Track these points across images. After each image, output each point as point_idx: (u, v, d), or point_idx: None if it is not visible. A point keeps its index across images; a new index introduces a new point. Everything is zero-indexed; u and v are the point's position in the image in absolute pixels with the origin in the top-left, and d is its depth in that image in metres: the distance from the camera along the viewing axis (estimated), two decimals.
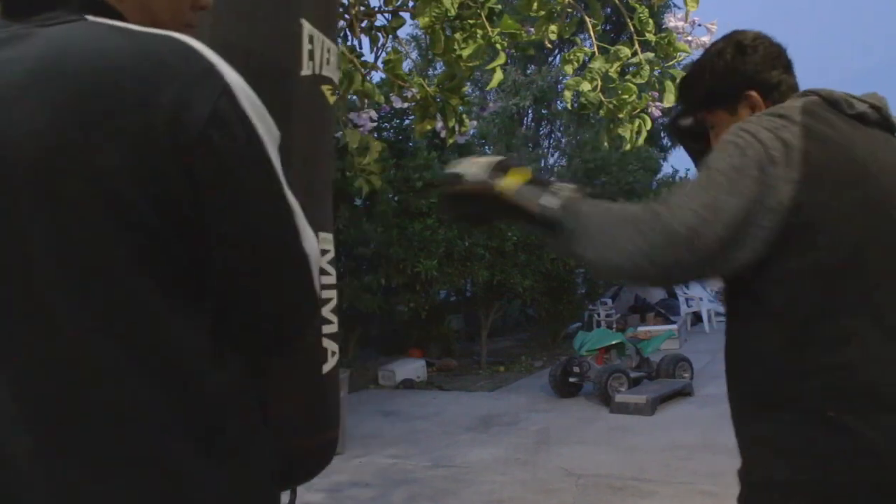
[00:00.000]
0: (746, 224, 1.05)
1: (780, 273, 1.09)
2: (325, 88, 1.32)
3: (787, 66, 1.29)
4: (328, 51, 1.33)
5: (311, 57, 1.28)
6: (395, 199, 9.22)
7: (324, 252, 1.34)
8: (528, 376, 9.05)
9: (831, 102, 1.17)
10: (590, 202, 1.14)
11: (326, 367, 1.33)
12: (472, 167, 1.24)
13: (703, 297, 12.63)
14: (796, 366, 1.10)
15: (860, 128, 1.17)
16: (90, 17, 0.83)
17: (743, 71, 1.27)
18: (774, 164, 1.06)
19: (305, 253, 0.85)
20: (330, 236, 1.38)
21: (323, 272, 1.33)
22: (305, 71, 1.27)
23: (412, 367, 8.94)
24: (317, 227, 1.30)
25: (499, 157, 1.26)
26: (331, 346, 1.35)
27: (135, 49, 0.78)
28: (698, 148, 1.38)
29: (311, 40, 1.27)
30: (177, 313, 0.79)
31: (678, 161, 16.95)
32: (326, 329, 1.34)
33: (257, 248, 0.81)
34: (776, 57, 1.28)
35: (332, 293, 1.38)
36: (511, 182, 1.19)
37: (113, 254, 0.76)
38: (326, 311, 1.34)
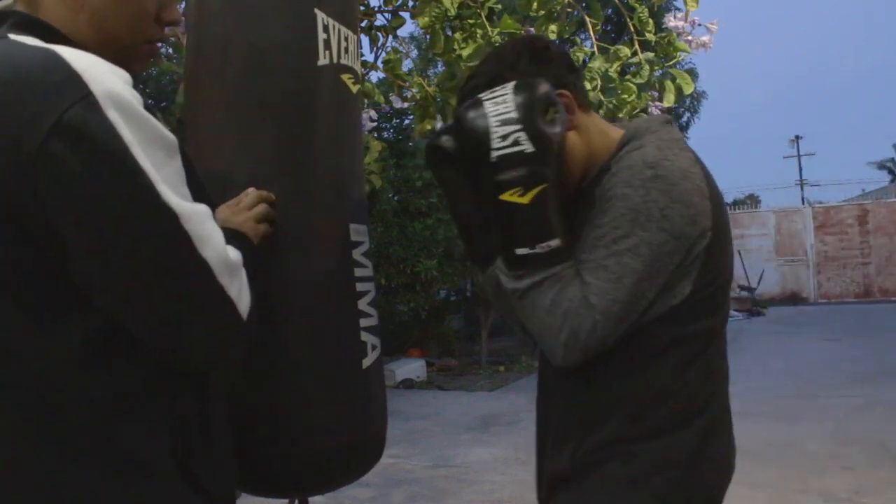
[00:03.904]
0: None
1: None
2: (346, 77, 1.31)
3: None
4: (346, 39, 1.31)
5: (328, 46, 1.27)
6: (395, 198, 9.22)
7: (357, 244, 1.32)
8: (528, 376, 9.04)
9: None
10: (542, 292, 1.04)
11: (366, 362, 1.30)
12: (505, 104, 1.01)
13: None
14: None
15: None
16: (11, 36, 0.83)
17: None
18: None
19: (202, 258, 0.81)
20: (362, 227, 1.35)
21: (357, 264, 1.31)
22: (322, 61, 1.26)
23: (412, 367, 8.93)
24: (346, 220, 1.31)
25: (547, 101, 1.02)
26: (371, 339, 1.32)
27: (6, 65, 0.78)
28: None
29: (325, 29, 1.26)
30: (32, 324, 0.78)
31: None
32: (364, 322, 1.31)
33: (119, 258, 0.78)
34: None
35: (370, 286, 1.35)
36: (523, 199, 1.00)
37: None
38: (364, 305, 1.31)
